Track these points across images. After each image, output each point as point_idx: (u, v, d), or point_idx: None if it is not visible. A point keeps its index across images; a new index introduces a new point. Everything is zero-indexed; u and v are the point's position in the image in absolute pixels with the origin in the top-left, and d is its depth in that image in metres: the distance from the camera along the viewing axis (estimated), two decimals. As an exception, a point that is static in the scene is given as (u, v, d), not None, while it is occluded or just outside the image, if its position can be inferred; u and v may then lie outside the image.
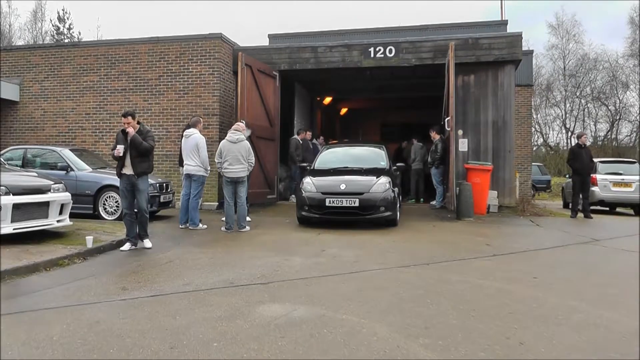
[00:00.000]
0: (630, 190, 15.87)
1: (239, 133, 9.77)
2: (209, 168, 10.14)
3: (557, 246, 8.67)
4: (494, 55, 13.45)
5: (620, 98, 40.52)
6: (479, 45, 13.47)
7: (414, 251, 7.88)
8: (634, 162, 17.75)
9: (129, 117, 7.81)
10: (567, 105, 42.03)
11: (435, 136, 13.62)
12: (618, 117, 40.09)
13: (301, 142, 14.93)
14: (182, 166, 10.26)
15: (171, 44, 14.45)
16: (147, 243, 7.99)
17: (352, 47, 14.33)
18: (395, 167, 11.50)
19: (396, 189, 10.53)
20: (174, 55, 14.37)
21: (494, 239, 9.25)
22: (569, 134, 41.37)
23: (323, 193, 9.99)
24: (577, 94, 41.00)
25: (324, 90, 19.16)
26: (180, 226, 10.05)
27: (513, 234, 9.98)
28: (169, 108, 14.38)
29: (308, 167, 11.79)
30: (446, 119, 11.67)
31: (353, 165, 11.28)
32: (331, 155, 12.20)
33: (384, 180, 10.15)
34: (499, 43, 13.45)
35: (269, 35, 19.84)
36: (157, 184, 11.35)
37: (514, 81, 13.86)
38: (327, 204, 9.87)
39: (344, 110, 24.92)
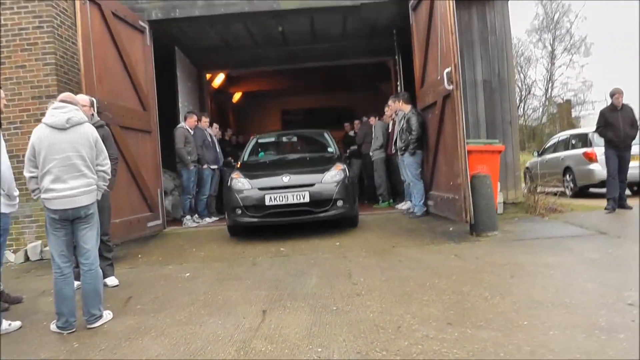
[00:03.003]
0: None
1: (70, 108, 4.44)
2: (16, 194, 4.82)
3: None
4: (479, -18, 9.01)
5: (526, 74, 38.81)
6: (456, -32, 8.92)
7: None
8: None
9: None
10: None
11: (402, 106, 8.84)
12: (526, 93, 38.17)
13: (191, 132, 9.72)
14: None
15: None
16: None
17: (264, -19, 9.29)
18: (346, 154, 9.93)
19: (354, 178, 8.80)
20: (-27, 0, 8.62)
21: (612, 286, 4.65)
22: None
23: (261, 189, 7.63)
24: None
25: (215, 63, 13.85)
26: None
27: (614, 265, 5.40)
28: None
29: (234, 163, 9.65)
30: (445, 72, 6.97)
31: (295, 155, 9.53)
32: (264, 145, 10.04)
33: (338, 167, 8.02)
34: (485, -37, 9.00)
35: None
36: None
37: (509, 21, 9.43)
38: (267, 202, 7.50)
39: (237, 96, 19.82)
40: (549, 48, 39.06)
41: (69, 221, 4.29)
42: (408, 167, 8.69)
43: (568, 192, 12.96)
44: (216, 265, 6.30)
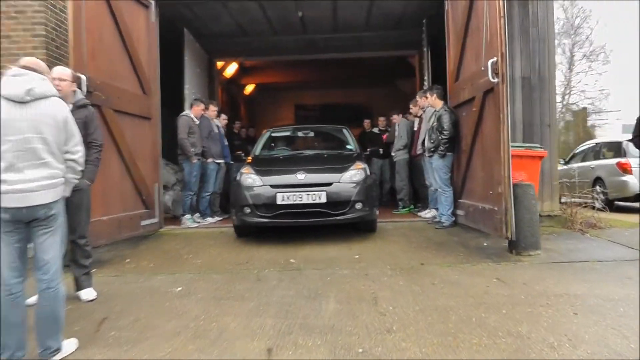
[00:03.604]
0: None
1: (32, 76, 3.48)
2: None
3: None
4: (523, -35, 8.03)
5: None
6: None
7: None
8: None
9: None
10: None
11: (435, 102, 7.88)
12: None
13: (197, 121, 8.81)
14: None
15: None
16: None
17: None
18: (367, 152, 9.15)
19: (375, 179, 8.39)
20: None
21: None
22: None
23: (273, 186, 6.96)
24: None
25: (227, 50, 12.87)
26: None
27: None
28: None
29: (244, 157, 8.87)
30: (489, 62, 6.00)
31: (311, 151, 8.72)
32: (278, 139, 9.34)
33: (358, 166, 7.35)
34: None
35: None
36: None
37: (553, 12, 8.45)
38: (279, 201, 6.82)
39: (250, 88, 18.91)
40: (568, 54, 37.73)
41: (25, 223, 3.36)
42: (437, 170, 7.73)
43: (597, 204, 11.96)
44: (214, 277, 5.36)
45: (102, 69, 6.70)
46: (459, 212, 7.59)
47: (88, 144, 4.63)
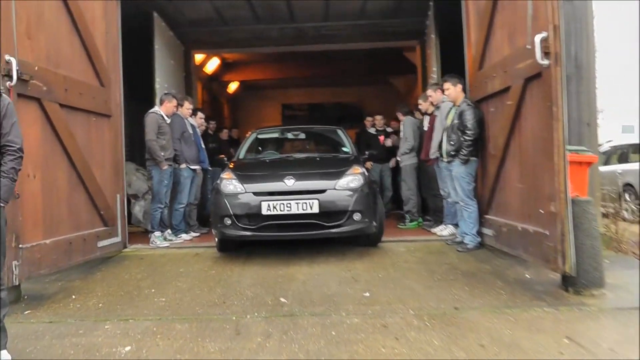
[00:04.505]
0: None
1: None
2: None
3: None
4: None
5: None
6: None
7: None
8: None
9: None
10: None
11: (458, 95, 6.47)
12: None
13: (168, 119, 7.39)
14: None
15: None
16: None
17: None
18: (365, 156, 7.72)
19: (375, 187, 7.13)
20: None
21: None
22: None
23: (256, 194, 6.03)
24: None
25: (206, 41, 11.36)
26: None
27: None
28: None
29: (226, 161, 7.68)
30: (537, 37, 4.57)
31: (302, 154, 7.75)
32: (265, 141, 8.34)
33: (355, 170, 6.38)
34: None
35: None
36: None
37: (591, -14, 7.11)
38: (264, 211, 5.88)
39: (233, 87, 17.55)
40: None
41: None
42: (457, 179, 6.34)
43: (627, 215, 10.65)
44: (178, 328, 3.93)
45: (42, 52, 5.30)
46: (487, 231, 6.22)
47: (1, 148, 3.27)
